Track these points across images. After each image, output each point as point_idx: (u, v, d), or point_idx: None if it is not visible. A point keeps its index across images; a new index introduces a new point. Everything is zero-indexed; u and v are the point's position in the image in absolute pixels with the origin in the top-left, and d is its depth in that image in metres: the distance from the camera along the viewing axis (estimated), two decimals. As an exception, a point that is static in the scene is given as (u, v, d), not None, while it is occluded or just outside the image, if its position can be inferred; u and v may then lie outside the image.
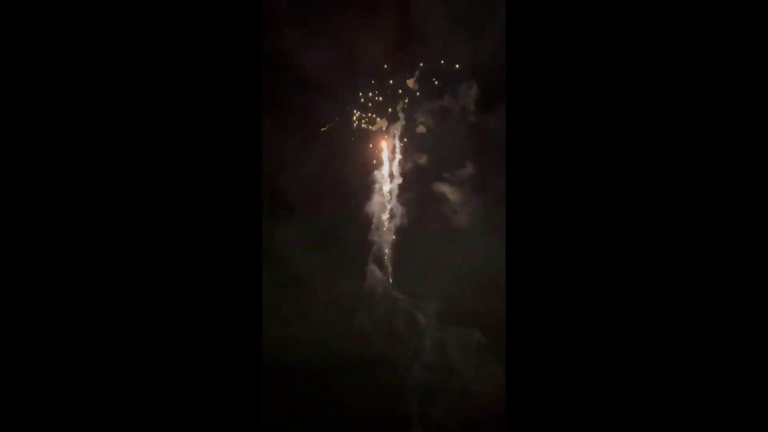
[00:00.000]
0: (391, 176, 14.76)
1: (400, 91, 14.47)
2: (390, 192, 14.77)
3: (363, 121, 14.60)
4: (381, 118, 14.63)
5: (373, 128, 14.66)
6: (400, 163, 14.75)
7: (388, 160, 14.72)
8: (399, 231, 14.99)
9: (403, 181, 14.84)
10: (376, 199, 14.88)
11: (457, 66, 14.20)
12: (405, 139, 14.69)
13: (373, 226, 14.85)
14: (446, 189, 14.52)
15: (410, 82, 14.23)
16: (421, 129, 14.43)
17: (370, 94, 14.58)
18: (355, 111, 14.68)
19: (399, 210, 14.86)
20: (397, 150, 14.76)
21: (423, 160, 14.64)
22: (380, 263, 14.92)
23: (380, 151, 14.81)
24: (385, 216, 14.79)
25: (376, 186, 14.86)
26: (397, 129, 14.69)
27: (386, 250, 14.81)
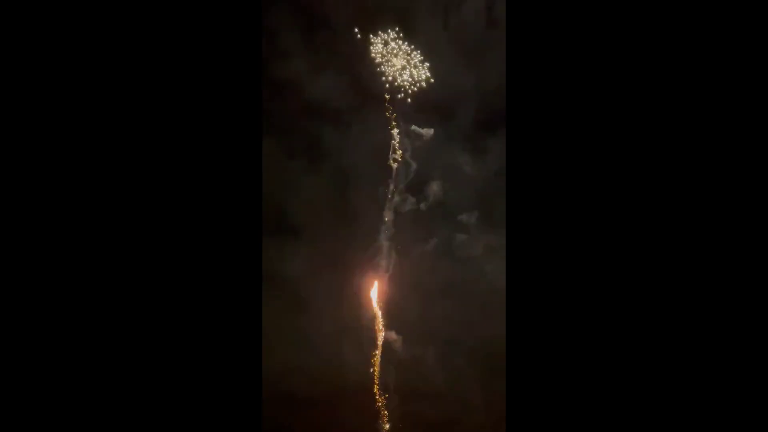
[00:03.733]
0: (394, 197, 14.88)
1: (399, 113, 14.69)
2: (393, 213, 14.87)
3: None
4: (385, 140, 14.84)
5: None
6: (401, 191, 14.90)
7: (393, 184, 14.86)
8: (400, 253, 15.04)
9: (407, 202, 14.94)
10: (380, 220, 14.95)
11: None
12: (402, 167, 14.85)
13: (376, 250, 14.90)
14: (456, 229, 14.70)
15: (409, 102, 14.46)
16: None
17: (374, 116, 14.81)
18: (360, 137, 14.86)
19: (400, 229, 14.94)
20: (400, 176, 14.91)
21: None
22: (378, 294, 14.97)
23: (385, 175, 14.95)
24: (386, 240, 14.87)
25: (381, 207, 14.97)
26: (399, 156, 14.88)
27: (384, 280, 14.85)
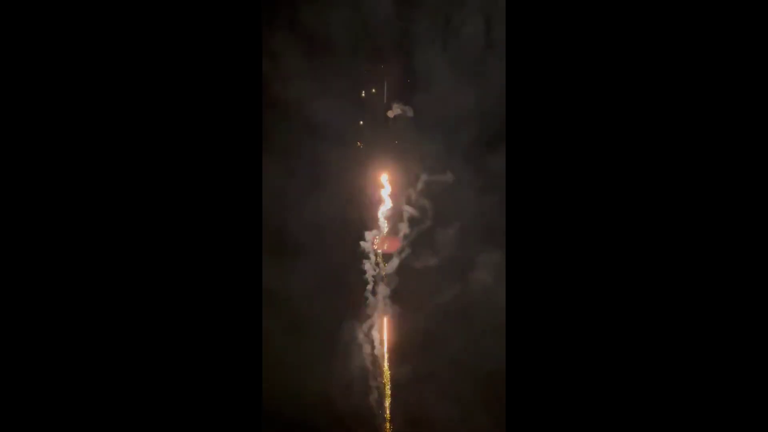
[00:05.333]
0: (392, 218, 14.90)
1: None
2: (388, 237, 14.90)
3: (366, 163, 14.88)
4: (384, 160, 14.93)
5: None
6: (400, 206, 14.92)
7: (390, 200, 14.91)
8: (400, 273, 14.99)
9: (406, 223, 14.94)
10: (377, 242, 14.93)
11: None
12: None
13: (374, 274, 14.87)
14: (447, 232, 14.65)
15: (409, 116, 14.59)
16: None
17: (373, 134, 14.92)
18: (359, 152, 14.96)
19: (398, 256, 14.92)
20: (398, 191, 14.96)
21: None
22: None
23: (383, 192, 14.99)
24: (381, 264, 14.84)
25: (380, 227, 14.95)
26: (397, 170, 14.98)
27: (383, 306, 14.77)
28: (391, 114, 14.52)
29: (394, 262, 14.78)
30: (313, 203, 14.66)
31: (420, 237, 14.83)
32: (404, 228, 14.73)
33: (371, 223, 14.95)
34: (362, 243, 14.80)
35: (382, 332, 14.85)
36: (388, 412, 14.66)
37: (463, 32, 14.36)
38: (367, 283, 14.78)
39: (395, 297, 14.87)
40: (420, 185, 14.56)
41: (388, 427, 14.57)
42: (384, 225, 14.82)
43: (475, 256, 14.39)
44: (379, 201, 14.92)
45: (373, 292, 14.78)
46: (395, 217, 14.83)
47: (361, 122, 14.70)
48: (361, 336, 14.77)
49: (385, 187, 14.91)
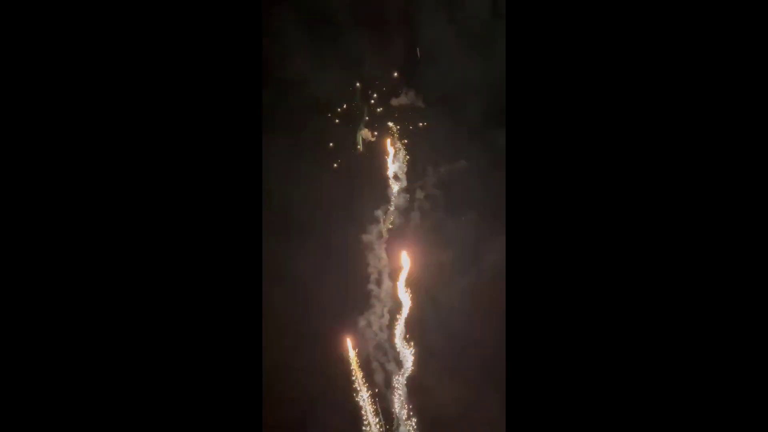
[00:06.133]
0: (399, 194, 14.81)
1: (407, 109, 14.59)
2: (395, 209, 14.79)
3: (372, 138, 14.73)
4: (389, 136, 14.76)
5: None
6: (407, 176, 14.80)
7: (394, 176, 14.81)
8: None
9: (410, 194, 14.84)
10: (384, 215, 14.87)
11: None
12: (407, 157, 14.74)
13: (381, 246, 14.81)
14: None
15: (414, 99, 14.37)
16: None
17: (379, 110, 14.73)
18: (364, 131, 14.79)
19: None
20: (404, 165, 14.81)
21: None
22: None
23: (387, 168, 14.88)
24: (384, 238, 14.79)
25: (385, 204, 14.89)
26: (402, 146, 14.80)
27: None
28: (395, 102, 14.32)
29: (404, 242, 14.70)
30: (319, 182, 14.62)
31: (430, 215, 14.73)
32: (414, 207, 14.62)
33: (380, 202, 14.86)
34: (372, 219, 14.72)
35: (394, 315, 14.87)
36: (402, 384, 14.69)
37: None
38: (377, 259, 14.75)
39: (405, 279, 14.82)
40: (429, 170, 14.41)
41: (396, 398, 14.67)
42: (394, 203, 14.72)
43: (487, 236, 14.21)
44: (388, 179, 14.79)
45: (380, 273, 14.79)
46: (405, 197, 14.70)
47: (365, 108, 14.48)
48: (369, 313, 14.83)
49: (394, 165, 14.75)
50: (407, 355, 14.40)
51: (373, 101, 14.69)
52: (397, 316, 14.68)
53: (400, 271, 14.75)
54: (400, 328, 14.50)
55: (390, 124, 14.66)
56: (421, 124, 14.54)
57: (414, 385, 14.56)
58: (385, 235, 14.67)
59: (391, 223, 14.65)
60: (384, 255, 14.63)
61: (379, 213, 14.77)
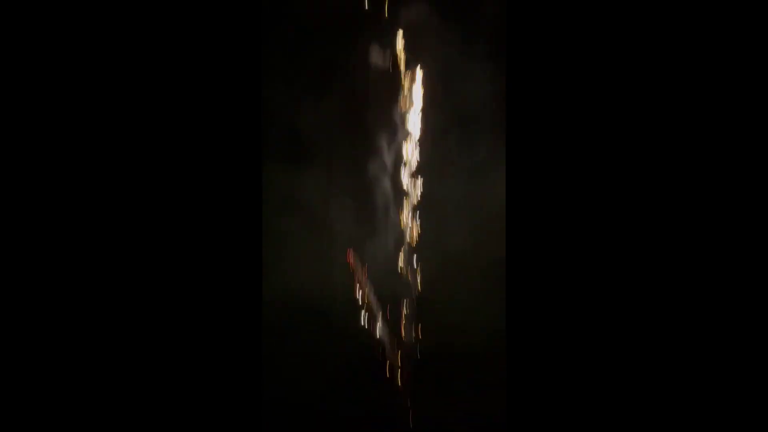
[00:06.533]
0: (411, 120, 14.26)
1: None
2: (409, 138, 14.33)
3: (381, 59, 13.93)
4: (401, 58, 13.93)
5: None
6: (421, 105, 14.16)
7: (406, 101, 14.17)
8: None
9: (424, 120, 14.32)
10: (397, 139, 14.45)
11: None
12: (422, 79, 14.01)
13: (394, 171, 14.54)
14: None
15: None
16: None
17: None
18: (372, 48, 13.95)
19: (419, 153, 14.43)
20: (418, 89, 14.12)
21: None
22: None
23: (399, 90, 14.21)
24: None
25: (398, 127, 14.40)
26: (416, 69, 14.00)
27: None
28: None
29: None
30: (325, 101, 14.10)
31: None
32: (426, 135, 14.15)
33: (391, 124, 14.38)
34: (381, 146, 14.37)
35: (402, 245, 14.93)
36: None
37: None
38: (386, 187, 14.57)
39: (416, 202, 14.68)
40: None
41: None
42: (409, 129, 14.24)
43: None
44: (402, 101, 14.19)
45: (388, 201, 14.67)
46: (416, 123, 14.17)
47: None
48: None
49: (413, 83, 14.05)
50: (415, 279, 14.74)
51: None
52: (404, 244, 14.81)
53: (408, 198, 14.63)
54: (405, 255, 14.70)
55: (400, 45, 13.74)
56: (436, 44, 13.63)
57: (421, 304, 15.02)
58: (400, 161, 14.40)
59: (403, 151, 14.29)
60: (395, 182, 14.47)
61: (387, 140, 14.37)
